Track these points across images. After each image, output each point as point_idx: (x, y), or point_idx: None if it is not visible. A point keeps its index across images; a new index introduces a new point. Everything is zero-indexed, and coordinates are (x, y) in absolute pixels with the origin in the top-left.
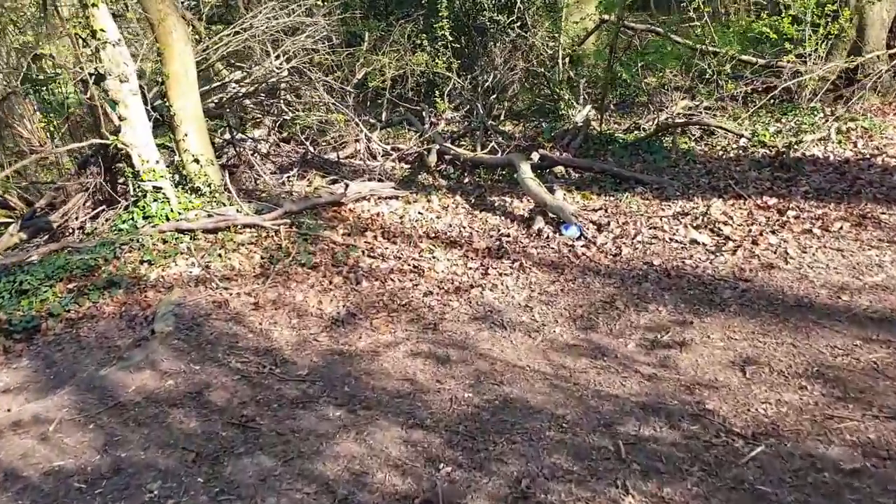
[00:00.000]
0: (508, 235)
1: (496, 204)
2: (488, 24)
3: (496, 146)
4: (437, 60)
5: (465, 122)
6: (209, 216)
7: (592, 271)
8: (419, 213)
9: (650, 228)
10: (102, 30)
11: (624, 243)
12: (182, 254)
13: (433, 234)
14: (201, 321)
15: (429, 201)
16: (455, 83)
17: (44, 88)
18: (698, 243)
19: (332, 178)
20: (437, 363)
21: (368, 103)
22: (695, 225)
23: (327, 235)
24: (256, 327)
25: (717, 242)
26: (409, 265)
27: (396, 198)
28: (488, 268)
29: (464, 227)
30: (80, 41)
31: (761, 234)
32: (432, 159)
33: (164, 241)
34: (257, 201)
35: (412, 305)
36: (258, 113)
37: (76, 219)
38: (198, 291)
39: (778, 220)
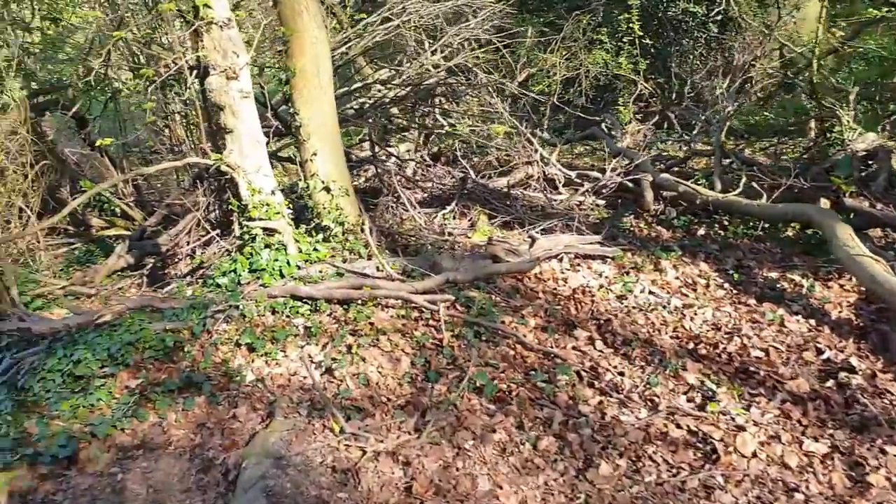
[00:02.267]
0: (849, 368)
1: (780, 286)
2: (682, 17)
3: (756, 185)
4: (620, 60)
5: (686, 145)
6: (339, 274)
7: None
8: (650, 292)
9: None
10: (207, 5)
11: None
12: (296, 336)
13: (692, 345)
14: None
15: (658, 270)
16: (642, 88)
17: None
18: None
19: (503, 219)
20: None
21: (528, 109)
22: None
23: (511, 331)
24: None
25: None
26: (678, 425)
27: (603, 258)
28: (853, 457)
29: (746, 336)
30: (182, 22)
31: None
32: (649, 198)
33: (273, 311)
34: (403, 251)
35: None
36: (403, 123)
37: (186, 244)
38: (311, 430)
39: None
